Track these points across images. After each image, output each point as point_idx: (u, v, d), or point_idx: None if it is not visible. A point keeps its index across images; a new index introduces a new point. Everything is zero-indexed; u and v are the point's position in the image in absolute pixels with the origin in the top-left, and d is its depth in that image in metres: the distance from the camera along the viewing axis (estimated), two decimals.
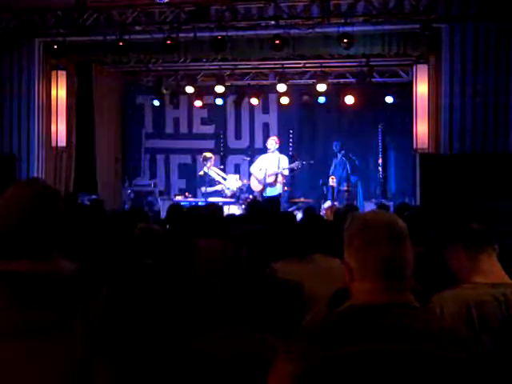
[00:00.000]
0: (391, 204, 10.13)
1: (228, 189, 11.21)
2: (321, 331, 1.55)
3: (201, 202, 10.61)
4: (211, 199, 10.40)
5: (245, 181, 11.62)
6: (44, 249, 1.62)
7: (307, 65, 11.97)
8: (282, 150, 11.69)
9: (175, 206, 5.82)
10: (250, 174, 11.70)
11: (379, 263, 1.59)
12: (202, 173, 11.40)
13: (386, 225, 1.63)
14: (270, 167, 11.19)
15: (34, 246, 1.60)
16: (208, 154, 11.42)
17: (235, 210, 10.10)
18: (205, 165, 11.29)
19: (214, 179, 11.27)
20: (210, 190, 11.12)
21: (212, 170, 11.35)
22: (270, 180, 11.17)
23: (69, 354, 1.48)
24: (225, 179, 11.42)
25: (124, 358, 1.61)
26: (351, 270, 1.63)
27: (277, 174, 11.16)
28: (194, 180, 12.77)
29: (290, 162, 11.31)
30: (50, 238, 1.65)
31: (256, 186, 11.32)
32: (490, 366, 1.58)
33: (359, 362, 1.47)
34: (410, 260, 1.62)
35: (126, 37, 9.42)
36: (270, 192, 10.95)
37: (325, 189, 11.41)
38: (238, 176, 11.99)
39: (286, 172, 11.21)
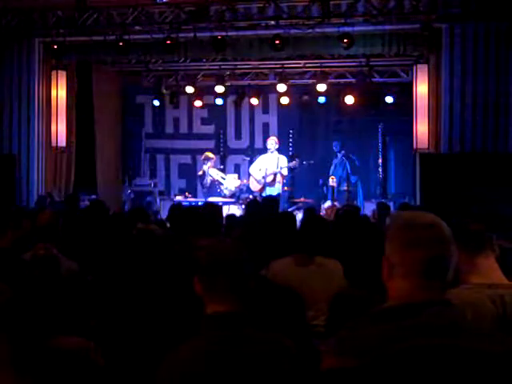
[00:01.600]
0: (391, 204, 10.13)
1: (226, 188, 11.22)
2: (378, 327, 1.58)
3: (201, 202, 10.61)
4: (211, 199, 10.40)
5: (244, 181, 11.63)
6: None
7: (307, 65, 11.97)
8: (281, 150, 11.69)
9: (177, 206, 5.82)
10: (249, 175, 11.71)
11: (425, 262, 1.61)
12: (201, 172, 11.42)
13: (433, 225, 1.65)
14: (270, 167, 11.20)
15: None
16: (210, 155, 11.44)
17: (235, 210, 10.10)
18: (205, 164, 11.30)
19: (213, 179, 11.28)
20: (209, 186, 11.14)
21: (212, 170, 11.36)
22: (269, 180, 11.18)
23: None
24: (224, 179, 11.42)
25: (120, 357, 1.61)
26: (392, 266, 1.65)
27: (276, 174, 11.17)
28: (194, 180, 12.77)
29: (289, 162, 11.32)
30: None
31: (255, 186, 11.32)
32: None
33: (412, 357, 1.51)
34: (454, 262, 1.66)
35: (126, 37, 9.43)
36: (270, 192, 10.95)
37: (325, 189, 11.42)
38: (236, 175, 12.00)
39: (285, 171, 11.22)
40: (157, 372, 1.94)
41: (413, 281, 1.62)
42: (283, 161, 11.28)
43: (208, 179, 11.21)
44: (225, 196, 11.15)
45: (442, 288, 1.64)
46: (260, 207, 6.52)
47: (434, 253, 1.62)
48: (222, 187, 11.26)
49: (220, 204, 9.83)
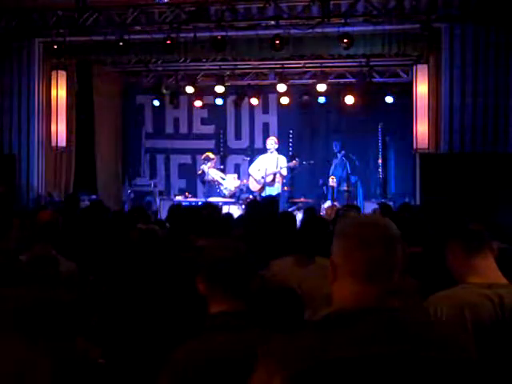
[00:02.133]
0: (391, 204, 10.13)
1: (226, 188, 11.22)
2: (314, 335, 1.51)
3: (201, 201, 10.62)
4: (211, 199, 10.40)
5: (244, 181, 11.63)
6: None
7: (307, 65, 11.97)
8: (281, 150, 11.70)
9: (176, 207, 5.82)
10: (249, 175, 11.72)
11: (368, 264, 1.55)
12: (200, 172, 11.42)
13: (378, 226, 1.60)
14: (269, 167, 11.21)
15: None
16: (211, 155, 11.45)
17: (235, 210, 10.11)
18: (205, 164, 11.30)
19: (213, 179, 11.29)
20: (208, 185, 11.15)
21: (212, 170, 11.36)
22: (268, 180, 11.19)
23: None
24: (224, 179, 11.43)
25: (119, 356, 1.60)
26: (336, 267, 1.59)
27: (275, 174, 11.18)
28: (194, 180, 12.77)
29: (289, 162, 11.33)
30: None
31: (254, 187, 11.33)
32: (477, 367, 1.57)
33: (355, 366, 1.44)
34: (399, 264, 1.58)
35: (126, 37, 9.43)
36: (269, 192, 10.96)
37: (325, 189, 11.42)
38: (236, 175, 12.00)
39: (285, 171, 11.22)
40: (159, 372, 1.94)
41: (354, 284, 1.55)
42: (283, 161, 11.29)
43: (208, 177, 11.22)
44: (224, 196, 11.16)
45: (385, 291, 1.55)
46: (260, 207, 6.52)
47: (375, 253, 1.54)
48: (222, 187, 11.27)
49: (220, 204, 9.87)
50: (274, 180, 11.21)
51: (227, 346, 1.93)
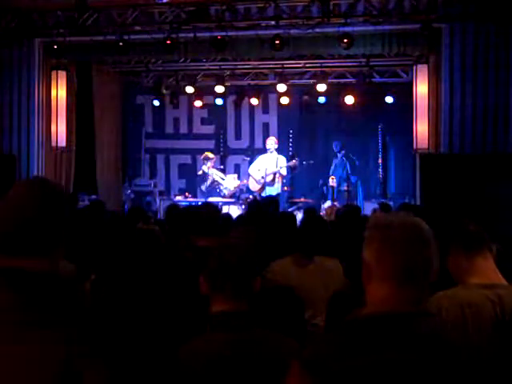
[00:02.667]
0: (391, 204, 10.13)
1: (226, 188, 11.22)
2: (344, 340, 1.50)
3: (201, 202, 10.61)
4: (211, 199, 10.40)
5: (244, 181, 11.63)
6: (47, 247, 1.61)
7: (307, 65, 11.96)
8: (281, 150, 11.70)
9: (173, 207, 5.81)
10: (249, 175, 11.72)
11: (401, 268, 1.53)
12: (200, 172, 11.42)
13: (410, 228, 1.58)
14: (269, 167, 11.21)
15: (37, 244, 1.59)
16: (210, 155, 11.44)
17: (235, 210, 10.11)
18: (205, 164, 11.30)
19: (213, 179, 11.29)
20: (207, 183, 11.14)
21: (212, 170, 11.36)
22: (268, 179, 11.20)
23: (52, 353, 1.47)
24: (223, 179, 11.43)
25: (120, 358, 1.60)
26: (370, 268, 1.58)
27: (275, 174, 11.18)
28: (194, 180, 12.77)
29: (289, 161, 11.33)
30: (55, 235, 1.64)
31: (254, 187, 11.33)
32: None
33: (383, 371, 1.44)
34: (434, 265, 1.57)
35: (126, 37, 9.43)
36: (270, 191, 10.97)
37: (325, 189, 11.42)
38: (236, 176, 12.00)
39: (284, 171, 11.23)
40: (161, 371, 1.94)
41: (388, 287, 1.54)
42: (282, 160, 11.30)
43: (209, 180, 11.21)
44: (224, 196, 11.16)
45: (420, 294, 1.55)
46: (260, 207, 6.52)
47: (408, 257, 1.53)
48: (222, 187, 11.27)
49: (220, 204, 9.87)
50: (273, 180, 11.21)
51: (228, 345, 1.93)
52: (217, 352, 1.92)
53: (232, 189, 11.26)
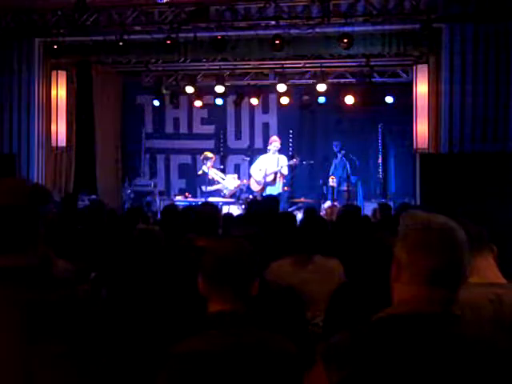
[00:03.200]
0: (391, 204, 10.12)
1: (226, 188, 11.22)
2: (373, 337, 1.52)
3: (201, 202, 10.61)
4: (211, 199, 10.40)
5: (244, 181, 11.63)
6: (21, 243, 1.62)
7: (307, 65, 11.96)
8: (281, 150, 11.69)
9: (170, 207, 5.80)
10: (249, 175, 11.72)
11: (432, 270, 1.54)
12: (200, 172, 11.42)
13: (444, 231, 1.59)
14: (270, 167, 11.21)
15: (10, 241, 1.60)
16: (209, 154, 11.43)
17: (235, 209, 10.10)
18: (205, 164, 11.30)
19: (213, 179, 11.29)
20: (210, 188, 11.14)
21: (211, 170, 11.36)
22: (269, 179, 11.20)
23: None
24: (223, 179, 11.43)
25: (120, 357, 1.60)
26: (400, 266, 1.59)
27: (276, 173, 11.18)
28: (194, 180, 12.77)
29: (289, 160, 11.33)
30: (28, 232, 1.64)
31: (255, 187, 11.33)
32: None
33: (410, 370, 1.45)
34: (466, 270, 1.59)
35: (126, 37, 9.43)
36: (270, 191, 10.96)
37: (325, 189, 11.42)
38: (236, 175, 12.00)
39: (285, 170, 11.23)
40: (158, 370, 1.94)
41: (417, 288, 1.55)
42: (283, 160, 11.30)
43: (214, 186, 11.23)
44: (224, 196, 11.15)
45: (450, 296, 1.56)
46: (261, 207, 6.52)
47: (440, 260, 1.54)
48: (222, 187, 11.27)
49: (220, 204, 9.87)
50: (274, 179, 11.21)
51: (224, 345, 1.93)
52: (212, 351, 1.92)
53: (232, 189, 11.26)
